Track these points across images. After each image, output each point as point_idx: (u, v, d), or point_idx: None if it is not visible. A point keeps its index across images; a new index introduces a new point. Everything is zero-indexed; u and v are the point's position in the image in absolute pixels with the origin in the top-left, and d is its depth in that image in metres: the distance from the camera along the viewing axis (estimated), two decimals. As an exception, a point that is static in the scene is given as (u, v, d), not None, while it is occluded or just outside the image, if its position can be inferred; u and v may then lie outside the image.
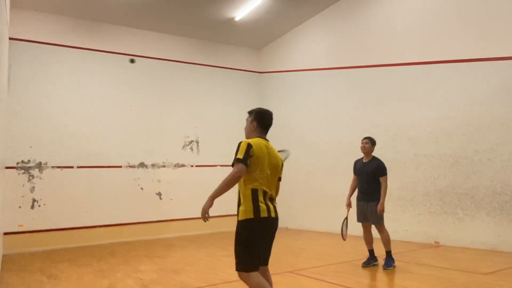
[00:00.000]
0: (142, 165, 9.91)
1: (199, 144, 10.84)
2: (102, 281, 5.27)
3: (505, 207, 6.33)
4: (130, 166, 9.76)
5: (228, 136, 11.18)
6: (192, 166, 10.65)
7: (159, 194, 10.05)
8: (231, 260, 6.54)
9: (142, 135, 9.99)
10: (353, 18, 9.27)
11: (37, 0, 8.63)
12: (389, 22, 8.43)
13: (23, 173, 8.53)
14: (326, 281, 4.84)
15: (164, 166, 10.21)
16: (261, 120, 3.40)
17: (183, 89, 10.79)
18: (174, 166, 10.37)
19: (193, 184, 10.48)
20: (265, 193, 3.09)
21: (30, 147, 8.63)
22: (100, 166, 9.37)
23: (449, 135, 7.05)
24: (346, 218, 5.79)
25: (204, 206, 3.15)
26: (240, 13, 9.78)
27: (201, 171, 10.73)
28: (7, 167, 8.24)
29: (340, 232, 5.80)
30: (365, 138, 5.78)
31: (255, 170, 3.08)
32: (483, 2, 6.78)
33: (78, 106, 9.26)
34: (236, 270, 3.03)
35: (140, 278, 5.37)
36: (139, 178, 9.82)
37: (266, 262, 3.21)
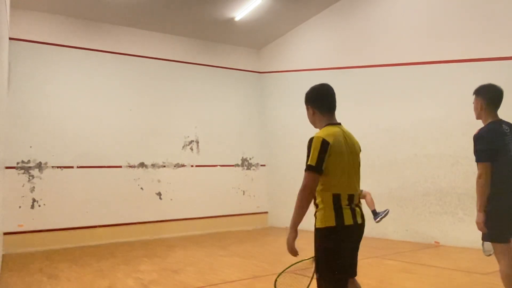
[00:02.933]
0: (142, 165, 9.91)
1: (199, 144, 10.84)
2: (102, 281, 5.27)
3: (505, 207, 6.32)
4: (130, 166, 9.76)
5: (228, 136, 11.20)
6: (192, 166, 10.65)
7: (159, 194, 10.05)
8: (231, 260, 6.55)
9: (142, 135, 9.99)
10: (353, 18, 9.27)
11: (37, 0, 8.63)
12: (389, 22, 8.43)
13: (23, 173, 8.53)
14: (326, 281, 4.84)
15: (164, 166, 10.20)
16: (318, 100, 2.65)
17: (183, 89, 10.79)
18: (174, 166, 10.36)
19: (193, 184, 10.49)
20: (350, 196, 2.51)
21: (30, 147, 8.63)
22: (100, 166, 9.37)
23: (449, 135, 7.04)
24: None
25: (289, 239, 2.50)
26: (240, 13, 9.78)
27: (201, 171, 10.73)
28: (7, 167, 8.24)
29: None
30: None
31: (335, 171, 2.47)
32: (483, 2, 6.78)
33: (78, 106, 9.27)
34: (317, 283, 2.52)
35: (140, 278, 5.37)
36: (139, 178, 9.82)
37: (354, 273, 2.67)
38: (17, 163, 8.48)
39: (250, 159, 11.54)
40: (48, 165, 8.78)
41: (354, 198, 2.54)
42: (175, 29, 10.53)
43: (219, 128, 11.11)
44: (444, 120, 7.17)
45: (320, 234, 2.48)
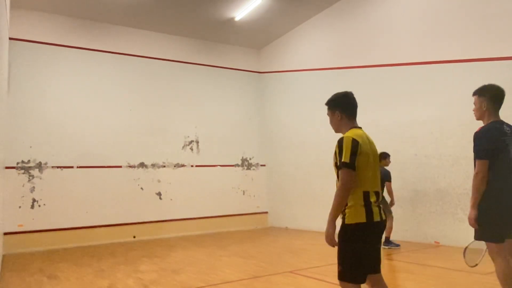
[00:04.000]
0: (142, 165, 9.91)
1: (199, 144, 10.84)
2: (102, 281, 5.27)
3: (505, 207, 6.32)
4: (130, 166, 9.76)
5: (228, 136, 11.20)
6: (192, 166, 10.65)
7: (159, 194, 10.05)
8: (231, 260, 6.55)
9: (142, 135, 9.99)
10: (353, 18, 9.27)
11: (37, 0, 8.63)
12: (389, 22, 8.43)
13: (23, 173, 8.53)
14: (326, 281, 4.84)
15: (164, 166, 10.20)
16: (345, 105, 2.85)
17: (183, 89, 10.79)
18: (174, 166, 10.36)
19: (193, 184, 10.49)
20: (376, 193, 2.68)
21: (30, 147, 8.63)
22: (100, 166, 9.37)
23: (449, 135, 7.04)
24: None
25: (329, 232, 2.60)
26: (240, 13, 9.78)
27: (201, 171, 10.73)
28: (7, 167, 8.24)
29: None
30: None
31: (364, 170, 2.61)
32: (483, 2, 6.77)
33: (78, 106, 9.27)
34: (339, 279, 2.63)
35: (140, 278, 5.37)
36: (139, 178, 9.82)
37: (379, 270, 2.74)
38: (17, 163, 8.48)
39: (250, 159, 11.54)
40: (48, 165, 8.78)
41: (379, 196, 2.71)
42: (175, 29, 10.53)
43: (219, 128, 11.11)
44: (444, 120, 7.17)
45: (351, 229, 2.58)
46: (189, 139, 10.73)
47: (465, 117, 6.89)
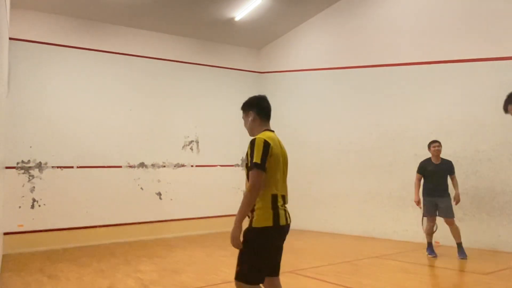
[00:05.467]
0: (142, 165, 9.91)
1: (199, 144, 10.84)
2: (102, 281, 5.27)
3: (505, 207, 6.32)
4: (130, 166, 9.76)
5: (228, 136, 11.20)
6: (192, 166, 10.65)
7: (159, 194, 10.05)
8: (231, 260, 6.53)
9: (142, 135, 9.99)
10: (353, 18, 9.27)
11: (37, 0, 8.62)
12: (389, 22, 8.43)
13: (23, 173, 8.53)
14: (326, 281, 4.84)
15: (164, 166, 10.20)
16: (259, 108, 2.90)
17: (183, 89, 10.79)
18: (174, 166, 10.36)
19: (193, 184, 10.49)
20: (283, 197, 2.73)
21: (30, 147, 8.63)
22: (100, 166, 9.37)
23: (449, 135, 7.04)
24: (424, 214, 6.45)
25: (235, 233, 2.60)
26: (240, 13, 9.78)
27: (201, 171, 10.73)
28: (7, 167, 8.23)
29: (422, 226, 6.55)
30: (436, 141, 6.40)
31: (274, 172, 2.65)
32: (484, 2, 6.78)
33: (78, 106, 9.26)
34: (236, 279, 2.64)
35: (140, 278, 5.37)
36: (139, 178, 9.82)
37: (277, 272, 2.81)
38: (17, 163, 8.48)
39: (250, 159, 11.51)
40: (48, 165, 8.78)
41: (286, 199, 2.78)
42: (175, 29, 10.53)
43: (219, 128, 11.11)
44: (444, 120, 7.17)
45: (255, 232, 2.62)
46: (189, 139, 10.73)
47: (465, 117, 6.90)
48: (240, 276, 2.62)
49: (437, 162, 6.37)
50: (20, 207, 8.38)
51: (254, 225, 2.63)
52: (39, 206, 8.56)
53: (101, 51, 9.72)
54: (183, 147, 10.60)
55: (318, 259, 6.39)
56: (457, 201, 6.18)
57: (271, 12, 9.84)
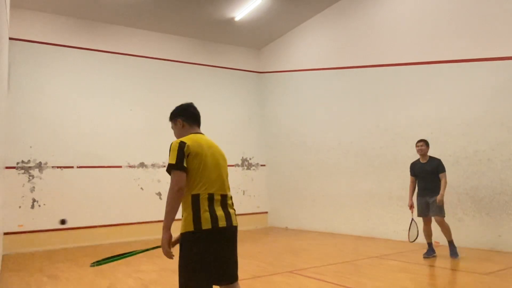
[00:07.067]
0: (142, 165, 9.91)
1: (199, 144, 10.83)
2: (102, 281, 5.27)
3: (505, 207, 6.32)
4: (130, 166, 9.76)
5: (228, 136, 11.20)
6: (192, 166, 10.64)
7: (159, 194, 10.05)
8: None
9: (142, 135, 9.99)
10: (353, 18, 9.27)
11: (37, 0, 8.63)
12: (389, 22, 8.43)
13: (23, 173, 8.53)
14: (326, 281, 4.84)
15: (164, 166, 10.20)
16: (185, 114, 2.86)
17: (183, 89, 10.79)
18: (174, 166, 10.36)
19: (193, 184, 10.48)
20: (211, 198, 2.51)
21: (30, 147, 8.63)
22: (100, 166, 9.37)
23: (449, 135, 7.04)
24: (413, 219, 6.33)
25: (163, 241, 2.46)
26: (240, 13, 9.78)
27: (201, 171, 10.72)
28: (7, 167, 8.24)
29: (408, 234, 6.35)
30: (421, 141, 6.27)
31: (196, 171, 2.52)
32: (483, 2, 6.78)
33: (78, 106, 9.27)
34: None
35: (140, 278, 5.37)
36: (139, 178, 9.82)
37: (231, 279, 2.57)
38: (17, 163, 8.49)
39: (250, 159, 11.53)
40: (48, 165, 8.78)
41: (220, 201, 2.56)
42: (175, 29, 10.53)
43: (219, 128, 11.10)
44: (444, 120, 7.17)
45: (181, 239, 2.48)
46: (189, 139, 10.72)
47: (465, 117, 6.90)
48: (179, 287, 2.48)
49: (424, 161, 6.25)
50: (20, 207, 8.38)
51: (181, 230, 2.48)
52: (39, 206, 8.56)
53: (101, 51, 9.73)
54: (183, 147, 10.60)
55: (318, 259, 6.39)
56: (438, 201, 5.92)
57: (271, 12, 9.84)
